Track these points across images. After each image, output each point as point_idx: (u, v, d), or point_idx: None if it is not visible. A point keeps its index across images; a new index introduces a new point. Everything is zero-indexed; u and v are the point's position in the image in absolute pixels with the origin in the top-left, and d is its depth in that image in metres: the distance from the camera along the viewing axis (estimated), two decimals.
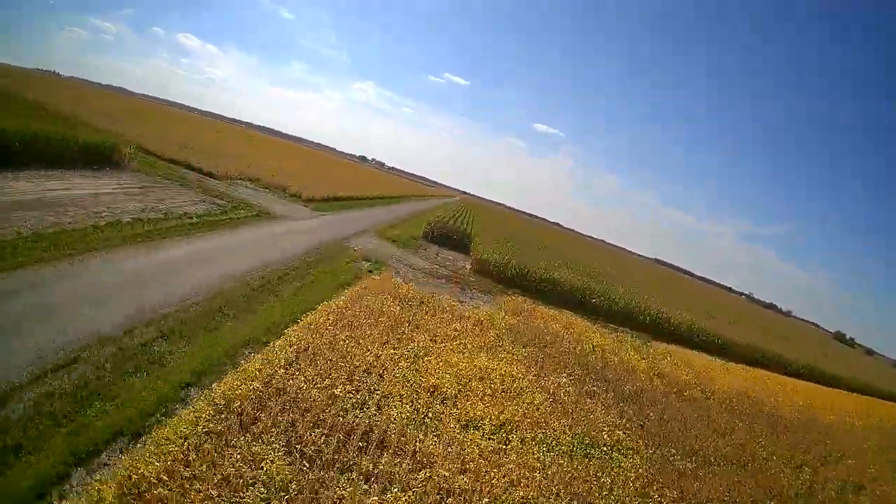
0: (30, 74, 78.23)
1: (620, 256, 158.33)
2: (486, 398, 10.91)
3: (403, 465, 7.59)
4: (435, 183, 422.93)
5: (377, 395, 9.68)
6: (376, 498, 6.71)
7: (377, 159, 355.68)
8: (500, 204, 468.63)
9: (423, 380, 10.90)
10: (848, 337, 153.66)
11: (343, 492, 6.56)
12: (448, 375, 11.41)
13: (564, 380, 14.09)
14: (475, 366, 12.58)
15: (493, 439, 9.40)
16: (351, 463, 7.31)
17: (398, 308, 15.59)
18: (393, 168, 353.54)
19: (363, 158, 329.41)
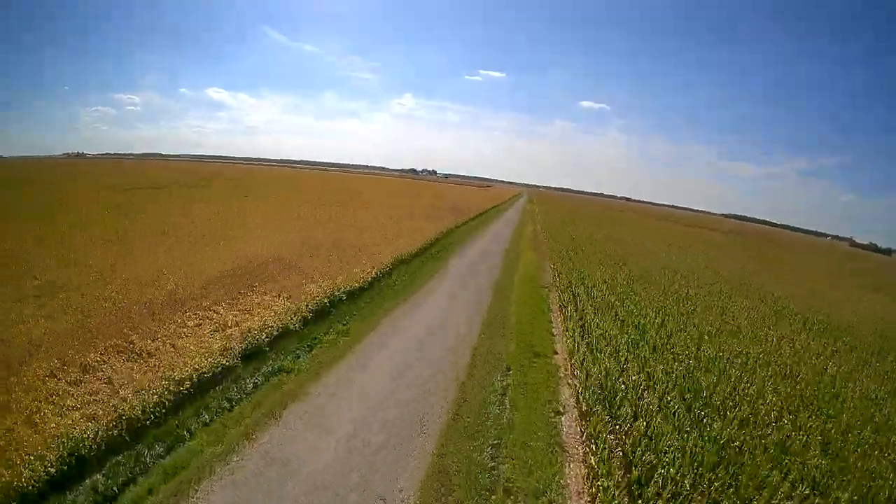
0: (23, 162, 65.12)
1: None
2: None
3: None
4: (493, 181, 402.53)
5: None
6: None
7: (427, 169, 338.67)
8: (566, 190, 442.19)
9: None
10: None
11: None
12: None
13: None
14: None
15: None
16: None
17: None
18: (448, 175, 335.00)
19: (413, 171, 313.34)
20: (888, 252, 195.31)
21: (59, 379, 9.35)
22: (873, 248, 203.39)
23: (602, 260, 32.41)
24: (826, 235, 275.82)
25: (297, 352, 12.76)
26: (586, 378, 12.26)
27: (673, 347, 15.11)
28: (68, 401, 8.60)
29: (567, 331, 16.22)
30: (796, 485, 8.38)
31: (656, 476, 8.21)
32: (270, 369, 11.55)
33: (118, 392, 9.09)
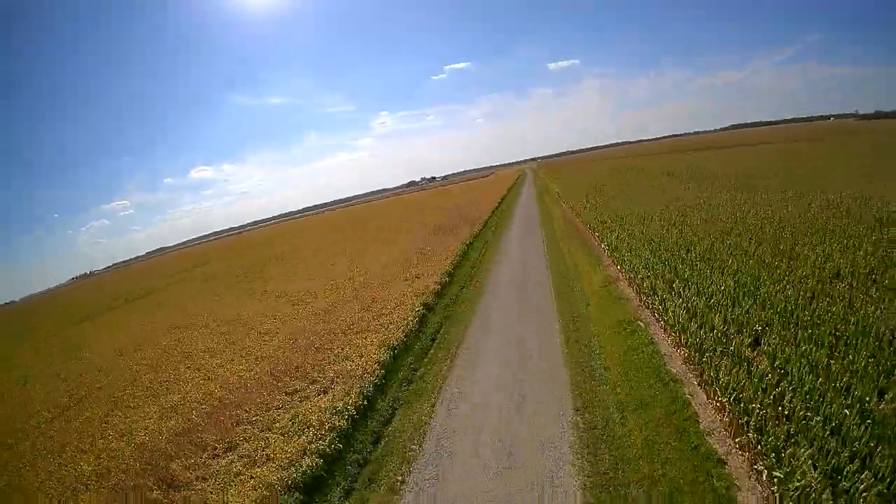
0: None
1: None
2: None
3: None
4: (493, 167, 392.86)
5: None
6: None
7: (425, 178, 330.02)
8: (567, 153, 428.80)
9: None
10: None
11: None
12: None
13: None
14: None
15: None
16: None
17: None
18: (445, 177, 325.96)
19: (413, 183, 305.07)
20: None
21: None
22: (881, 115, 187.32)
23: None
24: (828, 117, 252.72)
25: None
26: None
27: None
28: None
29: None
30: None
31: None
32: None
33: None
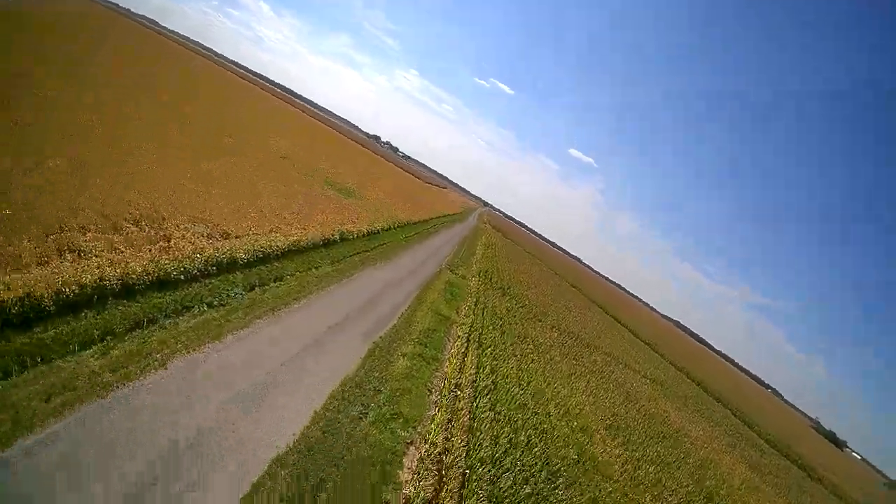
0: None
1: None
2: None
3: None
4: (454, 184, 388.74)
5: None
6: None
7: (392, 143, 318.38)
8: (520, 224, 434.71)
9: None
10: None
11: None
12: None
13: None
14: None
15: None
16: None
17: None
18: (408, 157, 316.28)
19: (377, 139, 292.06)
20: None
21: None
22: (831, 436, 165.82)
23: None
24: (768, 387, 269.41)
25: None
26: None
27: None
28: None
29: None
30: None
31: None
32: None
33: None
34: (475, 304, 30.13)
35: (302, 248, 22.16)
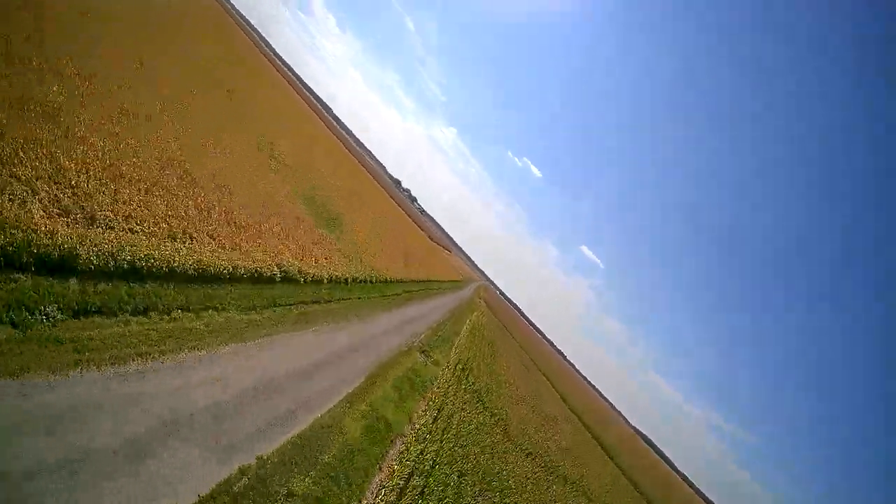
0: None
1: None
2: None
3: None
4: (459, 248, 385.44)
5: None
6: None
7: (411, 192, 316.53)
8: (514, 304, 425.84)
9: None
10: None
11: None
12: None
13: None
14: None
15: None
16: None
17: None
18: (423, 211, 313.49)
19: (398, 183, 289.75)
20: None
21: None
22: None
23: None
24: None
25: None
26: None
27: None
28: None
29: None
30: None
31: None
32: None
33: None
34: (437, 414, 22.18)
35: (209, 276, 14.76)
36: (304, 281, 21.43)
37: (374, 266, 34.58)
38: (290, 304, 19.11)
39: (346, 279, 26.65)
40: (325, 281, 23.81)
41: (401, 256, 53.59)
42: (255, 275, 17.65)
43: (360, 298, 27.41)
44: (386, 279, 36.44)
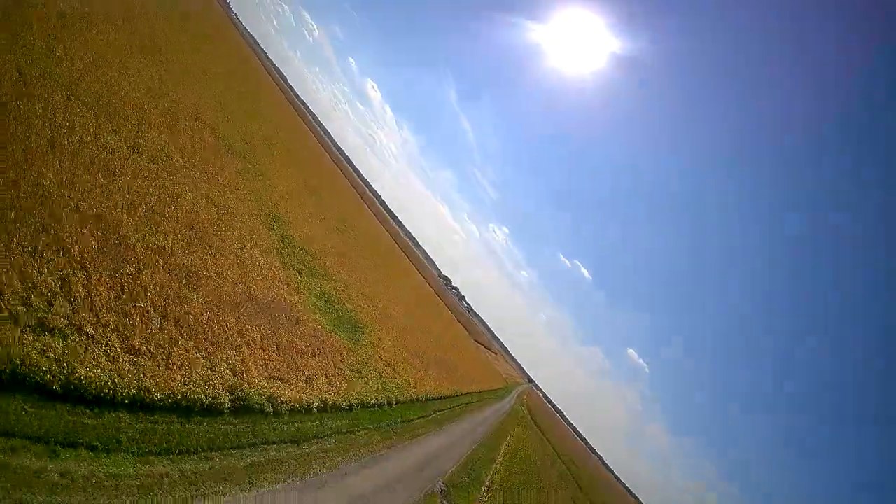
0: None
1: None
2: None
3: None
4: (506, 350, 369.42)
5: None
6: None
7: (460, 291, 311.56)
8: (557, 410, 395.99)
9: None
10: None
11: None
12: None
13: None
14: None
15: None
16: None
17: None
18: (470, 310, 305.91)
19: (447, 281, 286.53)
20: None
21: None
22: None
23: None
24: None
25: None
26: None
27: None
28: None
29: None
30: None
31: None
32: None
33: None
34: None
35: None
36: (283, 412, 15.56)
37: (400, 385, 28.19)
38: (266, 444, 13.33)
39: (349, 405, 20.40)
40: (316, 409, 17.75)
41: (439, 367, 46.41)
42: (209, 406, 12.10)
43: (366, 431, 20.91)
44: (416, 398, 29.84)
